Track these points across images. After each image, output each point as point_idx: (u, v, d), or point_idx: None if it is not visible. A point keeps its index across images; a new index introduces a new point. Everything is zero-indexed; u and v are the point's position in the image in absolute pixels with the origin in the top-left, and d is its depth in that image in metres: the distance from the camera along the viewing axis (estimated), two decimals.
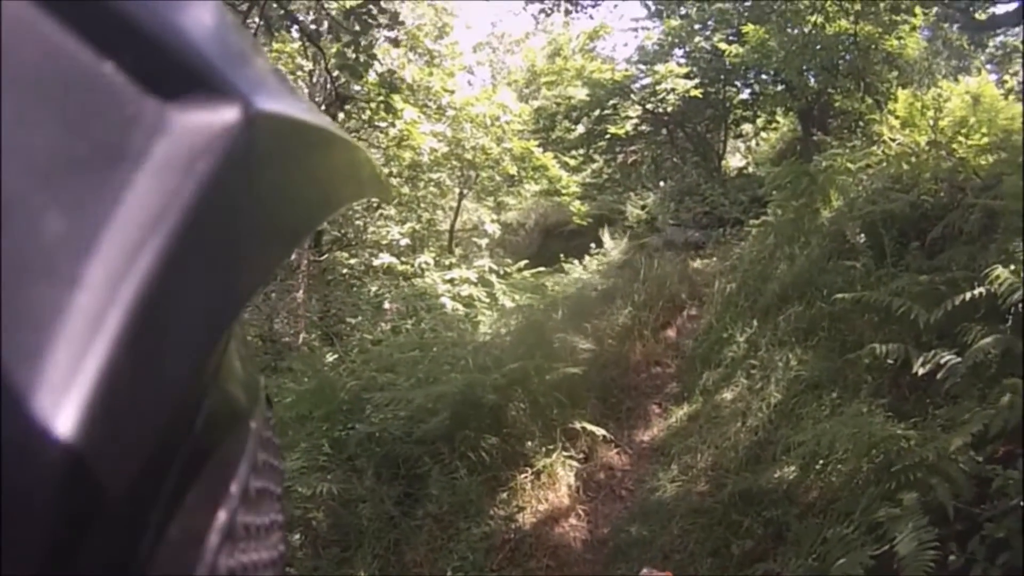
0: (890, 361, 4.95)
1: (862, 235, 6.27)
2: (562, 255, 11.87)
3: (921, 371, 4.61)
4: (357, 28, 7.56)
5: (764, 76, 14.38)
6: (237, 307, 0.35)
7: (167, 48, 0.29)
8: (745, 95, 15.21)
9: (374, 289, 12.14)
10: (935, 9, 11.89)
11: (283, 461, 0.51)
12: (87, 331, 0.25)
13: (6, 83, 0.25)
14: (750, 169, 15.21)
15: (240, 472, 0.38)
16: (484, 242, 13.75)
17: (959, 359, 4.43)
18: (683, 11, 14.57)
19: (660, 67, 13.98)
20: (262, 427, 0.43)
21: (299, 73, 12.19)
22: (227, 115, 0.29)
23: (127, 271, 0.26)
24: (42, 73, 0.27)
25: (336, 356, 9.07)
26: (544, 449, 5.87)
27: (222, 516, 0.35)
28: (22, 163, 0.25)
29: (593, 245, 12.46)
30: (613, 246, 12.32)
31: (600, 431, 6.10)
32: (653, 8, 15.41)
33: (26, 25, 0.27)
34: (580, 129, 15.54)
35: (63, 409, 0.24)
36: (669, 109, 14.30)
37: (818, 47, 12.01)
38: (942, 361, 4.50)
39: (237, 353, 0.42)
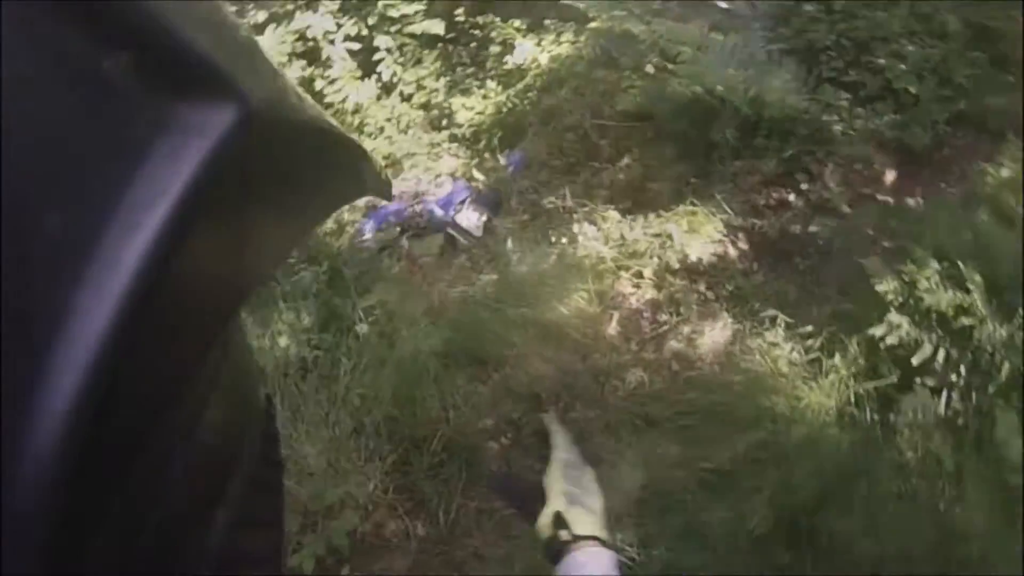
0: None
1: None
2: None
3: None
4: None
5: None
6: (239, 300, 0.37)
7: (167, 47, 0.29)
8: None
9: None
10: None
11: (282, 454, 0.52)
12: (88, 330, 0.25)
13: (8, 80, 0.26)
14: None
15: (243, 464, 0.40)
16: None
17: None
18: None
19: None
20: (264, 422, 0.45)
21: None
22: (226, 114, 0.30)
23: (127, 267, 0.26)
24: (44, 71, 0.27)
25: None
26: None
27: (225, 507, 0.37)
28: (24, 159, 0.26)
29: None
30: None
31: None
32: None
33: (28, 23, 0.27)
34: None
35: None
36: None
37: None
38: None
39: (239, 350, 0.43)
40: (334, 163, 0.45)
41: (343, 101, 4.67)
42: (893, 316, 2.79)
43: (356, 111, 4.71)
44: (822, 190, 3.75)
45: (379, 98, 4.80)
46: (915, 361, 2.71)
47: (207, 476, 0.37)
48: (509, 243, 3.94)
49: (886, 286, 2.82)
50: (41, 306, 0.25)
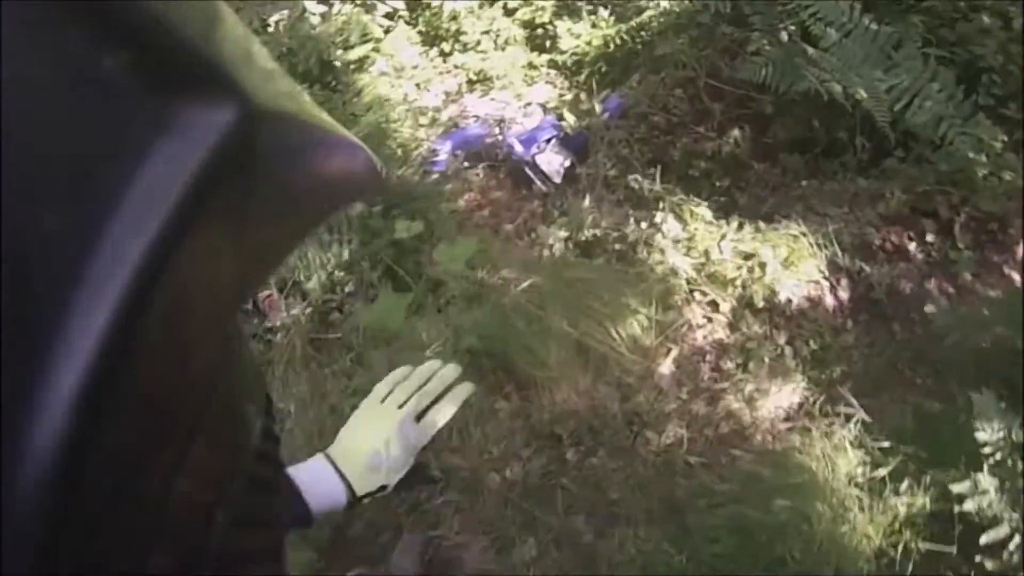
0: None
1: None
2: None
3: None
4: None
5: None
6: (238, 301, 0.36)
7: (167, 46, 0.29)
8: None
9: None
10: None
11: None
12: (88, 330, 0.25)
13: (8, 80, 0.25)
14: None
15: (243, 464, 0.39)
16: None
17: None
18: None
19: None
20: (264, 422, 0.44)
21: None
22: (227, 113, 0.29)
23: (127, 267, 0.26)
24: (44, 71, 0.26)
25: None
26: None
27: (225, 507, 0.36)
28: (24, 159, 0.25)
29: None
30: None
31: None
32: None
33: (28, 23, 0.26)
34: None
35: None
36: None
37: None
38: None
39: (240, 349, 0.42)
40: (334, 162, 0.42)
41: (439, 6, 4.27)
42: (983, 478, 2.37)
43: (453, 18, 4.30)
44: (948, 248, 3.24)
45: (480, 7, 4.37)
46: (984, 540, 2.33)
47: (207, 477, 0.34)
48: (587, 200, 3.55)
49: (990, 436, 2.39)
50: (41, 306, 0.25)
